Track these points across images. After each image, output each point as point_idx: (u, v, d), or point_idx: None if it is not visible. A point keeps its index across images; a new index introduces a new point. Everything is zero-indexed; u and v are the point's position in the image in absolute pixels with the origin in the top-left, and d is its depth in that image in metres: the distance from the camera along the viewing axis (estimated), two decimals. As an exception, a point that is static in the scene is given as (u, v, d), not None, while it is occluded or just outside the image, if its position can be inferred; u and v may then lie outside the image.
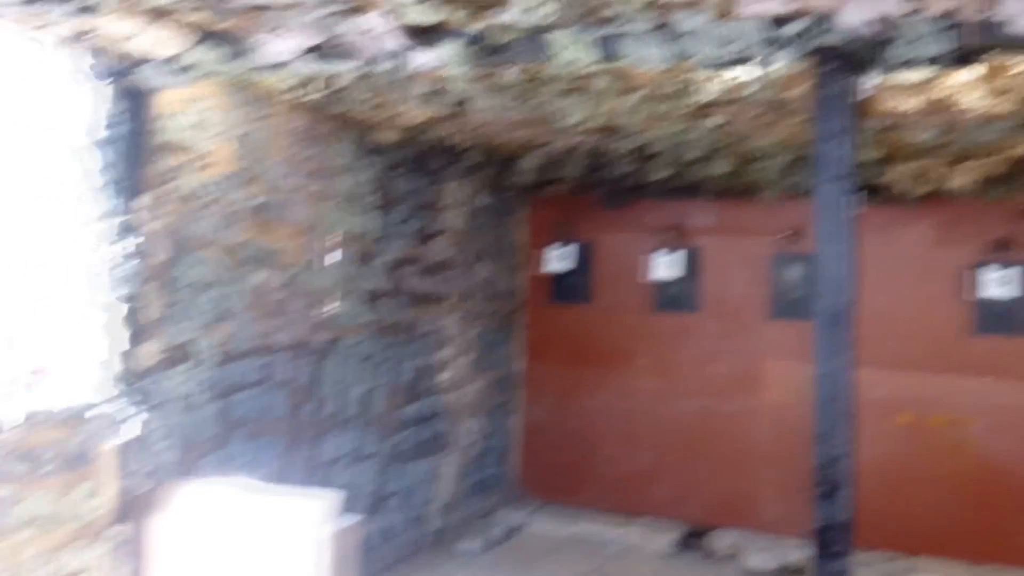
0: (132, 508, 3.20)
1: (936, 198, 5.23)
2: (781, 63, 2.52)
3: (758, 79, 2.70)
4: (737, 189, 5.75)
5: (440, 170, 5.39)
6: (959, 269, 5.42)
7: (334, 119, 4.34)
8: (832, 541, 2.43)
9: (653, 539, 5.62)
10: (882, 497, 5.40)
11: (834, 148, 2.42)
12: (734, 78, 2.91)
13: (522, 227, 6.54)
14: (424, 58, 2.71)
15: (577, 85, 3.36)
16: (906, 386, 5.48)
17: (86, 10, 2.68)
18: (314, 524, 3.00)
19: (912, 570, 5.16)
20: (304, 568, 2.98)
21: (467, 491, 5.72)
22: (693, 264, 5.99)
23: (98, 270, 3.12)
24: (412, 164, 5.10)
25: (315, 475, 4.25)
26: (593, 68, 2.75)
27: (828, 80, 2.43)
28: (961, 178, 4.79)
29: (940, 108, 3.40)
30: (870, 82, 2.60)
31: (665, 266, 5.96)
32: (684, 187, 5.83)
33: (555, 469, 6.32)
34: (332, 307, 4.43)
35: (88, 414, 3.05)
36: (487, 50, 2.67)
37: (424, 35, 2.66)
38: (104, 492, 3.12)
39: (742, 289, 5.90)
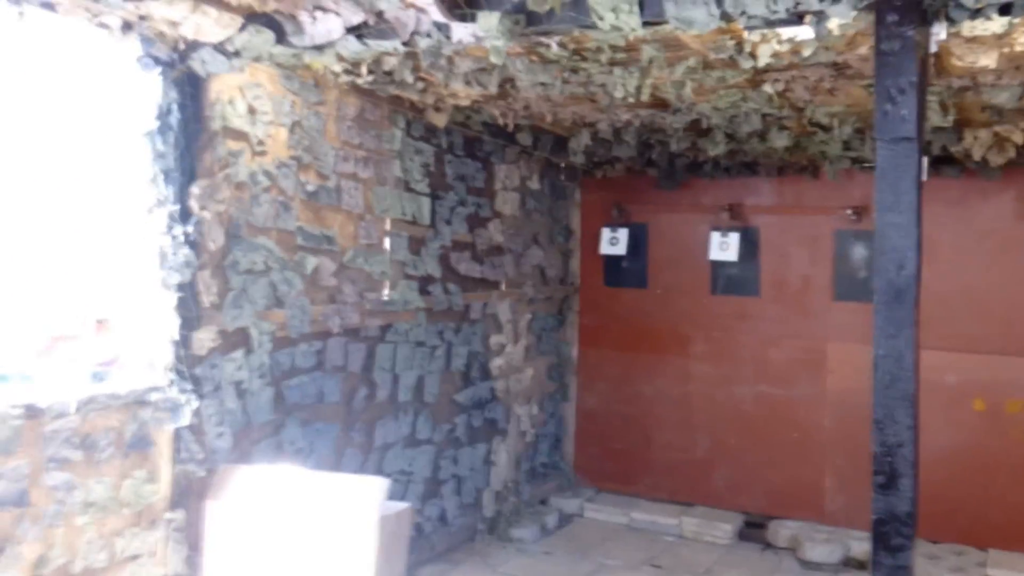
0: (187, 493, 3.21)
1: (1017, 168, 4.91)
2: (838, 17, 2.33)
3: (816, 38, 2.50)
4: (798, 164, 5.52)
5: (491, 153, 5.29)
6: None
7: (385, 103, 4.27)
8: (893, 533, 2.27)
9: (711, 529, 5.47)
10: (953, 487, 5.15)
11: (897, 109, 2.22)
12: (790, 38, 2.72)
13: (575, 210, 6.41)
14: (465, 31, 2.61)
15: (623, 56, 3.21)
16: (982, 370, 5.18)
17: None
18: (365, 509, 2.96)
19: (982, 564, 4.90)
20: (355, 552, 2.95)
21: (521, 478, 5.66)
22: (752, 245, 5.76)
23: (155, 256, 3.12)
24: (463, 148, 5.01)
25: (369, 461, 4.22)
26: (639, 33, 2.61)
27: (890, 33, 2.23)
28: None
29: (1020, 64, 3.12)
30: (937, 35, 2.38)
31: (722, 247, 5.71)
32: (741, 164, 5.64)
33: (609, 456, 6.21)
34: (385, 293, 4.38)
35: (144, 400, 3.05)
36: (528, 19, 2.55)
37: (463, 7, 2.56)
38: (160, 477, 3.13)
39: (804, 270, 5.67)
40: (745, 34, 2.81)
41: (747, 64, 3.10)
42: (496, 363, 5.37)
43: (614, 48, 3.09)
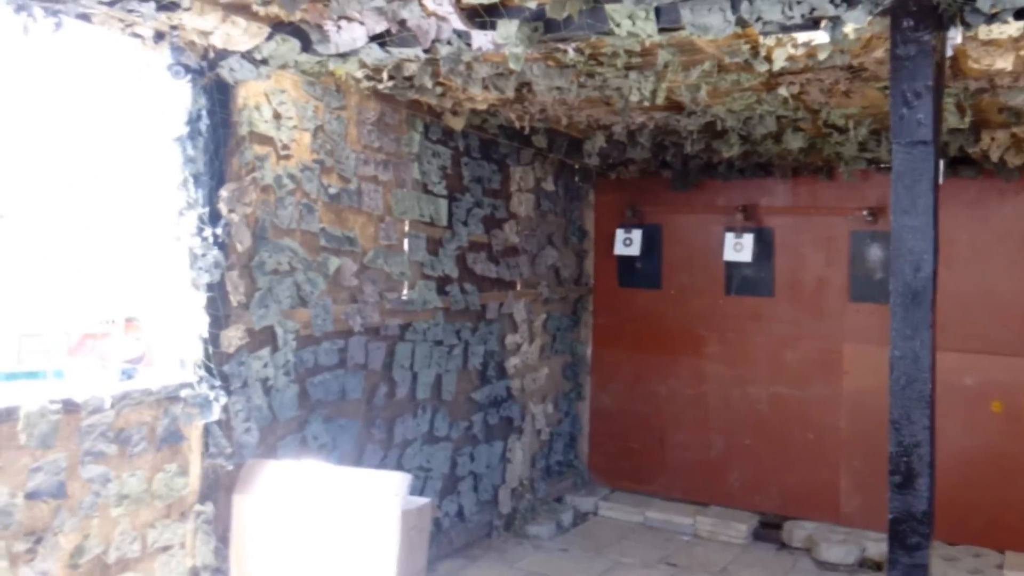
0: (216, 487, 3.32)
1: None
2: (854, 23, 2.38)
3: (831, 42, 2.56)
4: (813, 165, 5.55)
5: (507, 156, 5.39)
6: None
7: (404, 107, 4.38)
8: (909, 532, 2.31)
9: (726, 528, 5.53)
10: (970, 489, 5.16)
11: (913, 113, 2.27)
12: (805, 42, 2.77)
13: (589, 211, 6.49)
14: (484, 39, 2.70)
15: (639, 60, 3.28)
16: (1000, 372, 5.19)
17: (168, 7, 2.76)
18: (387, 503, 3.05)
19: (1000, 566, 4.94)
20: (378, 545, 3.04)
21: (537, 476, 5.74)
22: (766, 246, 5.80)
23: (185, 257, 3.23)
24: (479, 151, 5.11)
25: (389, 457, 4.32)
26: (655, 39, 2.68)
27: (906, 38, 2.27)
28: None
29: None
30: (953, 40, 2.42)
31: (737, 248, 5.76)
32: (756, 165, 5.67)
33: (624, 456, 6.28)
34: (404, 293, 4.48)
35: (175, 396, 3.17)
36: (546, 26, 2.64)
37: (483, 15, 2.65)
38: (190, 471, 3.24)
39: (819, 271, 5.70)
40: (760, 38, 2.87)
41: (762, 67, 3.16)
42: (512, 362, 5.46)
43: (630, 53, 3.17)
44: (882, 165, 5.30)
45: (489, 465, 5.20)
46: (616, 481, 6.27)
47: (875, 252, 5.50)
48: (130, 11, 2.79)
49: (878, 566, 5.02)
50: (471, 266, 5.03)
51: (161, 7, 2.75)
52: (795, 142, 4.68)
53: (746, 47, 3.05)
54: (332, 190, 3.95)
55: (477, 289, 5.06)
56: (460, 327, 4.91)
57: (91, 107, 3.08)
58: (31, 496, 2.73)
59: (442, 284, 4.76)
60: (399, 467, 4.31)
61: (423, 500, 3.24)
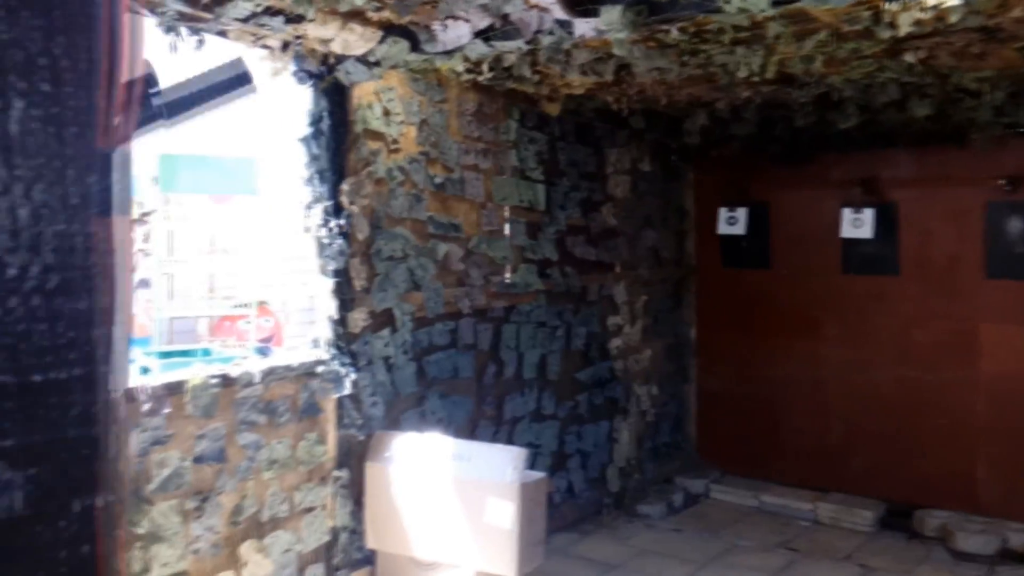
0: (350, 455, 3.88)
1: None
2: None
3: (964, 3, 2.56)
4: (941, 134, 5.35)
5: (603, 138, 5.77)
6: None
7: (501, 97, 4.84)
8: None
9: (849, 515, 5.58)
10: None
11: None
12: (935, 5, 2.73)
13: (688, 191, 6.70)
14: (587, 26, 3.05)
15: (747, 35, 3.37)
16: None
17: (294, 19, 3.30)
18: (507, 475, 3.50)
19: None
20: (499, 514, 3.50)
21: (644, 456, 6.11)
22: (889, 221, 5.70)
23: (316, 247, 3.79)
24: (575, 135, 5.51)
25: (500, 433, 4.80)
26: (767, 12, 2.77)
27: None
28: None
29: None
30: None
31: (856, 224, 5.67)
32: (875, 135, 5.52)
33: (734, 439, 6.45)
34: (507, 276, 4.95)
35: (312, 372, 3.74)
36: (650, 9, 2.90)
37: (584, 2, 2.95)
38: (327, 440, 3.81)
39: (950, 246, 5.57)
40: (884, 3, 2.88)
41: (886, 34, 3.14)
42: (614, 343, 5.85)
43: (737, 28, 3.25)
44: (1021, 130, 5.13)
45: (596, 444, 5.61)
46: (726, 464, 6.45)
47: (1015, 224, 5.31)
48: (261, 25, 3.35)
49: (1022, 557, 4.98)
50: (570, 249, 5.45)
51: (289, 20, 3.30)
52: (921, 109, 4.57)
53: (867, 14, 3.05)
54: (437, 180, 4.46)
55: (577, 272, 5.48)
56: (562, 309, 5.35)
57: (227, 113, 3.68)
58: (198, 460, 3.33)
59: (543, 267, 5.21)
60: (510, 442, 4.78)
61: (540, 474, 3.66)
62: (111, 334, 1.08)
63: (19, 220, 0.89)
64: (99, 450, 0.93)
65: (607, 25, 2.89)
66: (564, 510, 5.28)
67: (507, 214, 4.99)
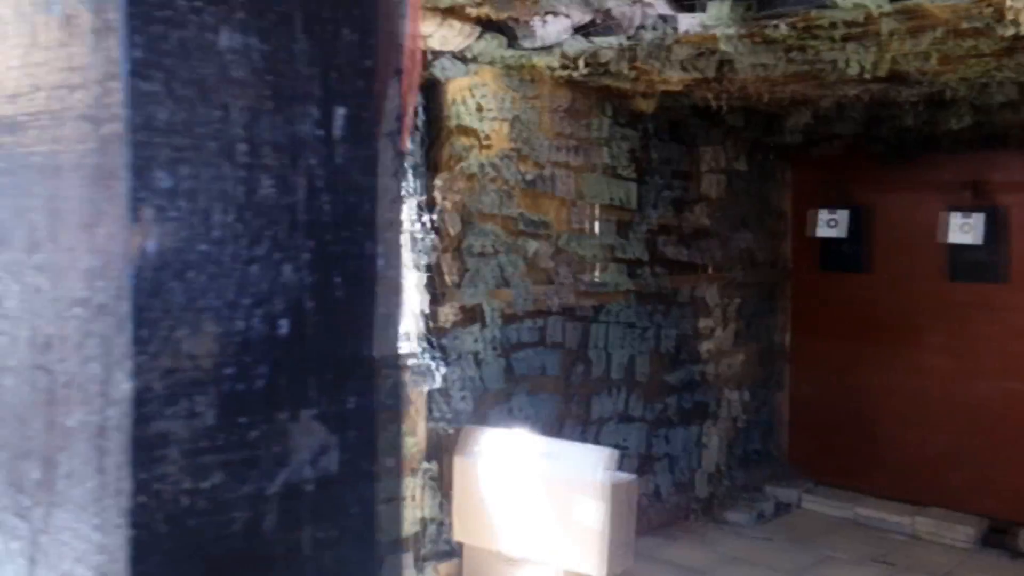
0: (437, 448, 3.95)
1: None
2: None
3: None
4: None
5: (697, 136, 5.70)
6: None
7: (593, 93, 4.84)
8: None
9: (949, 531, 5.41)
10: None
11: None
12: None
13: (785, 191, 6.58)
14: (691, 21, 3.05)
15: (858, 31, 3.33)
16: None
17: (394, 17, 3.39)
18: (597, 475, 3.51)
19: None
20: (588, 514, 3.51)
21: (734, 463, 6.01)
22: (998, 226, 5.50)
23: (407, 242, 3.89)
24: (668, 132, 5.47)
25: (587, 433, 4.81)
26: (884, 8, 2.74)
27: None
28: None
29: None
30: None
31: (963, 229, 5.50)
32: (987, 137, 5.36)
33: (827, 449, 6.31)
34: (596, 275, 4.95)
35: (403, 364, 3.83)
36: (759, 4, 2.89)
37: None
38: (418, 432, 3.89)
39: None
40: (1008, 0, 2.83)
41: (1007, 32, 3.07)
42: (705, 347, 5.77)
43: (848, 24, 3.20)
44: None
45: (684, 448, 5.55)
46: (819, 475, 6.31)
47: None
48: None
49: None
50: (661, 249, 5.42)
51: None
52: (1043, 110, 4.38)
53: (988, 11, 3.00)
54: (528, 176, 4.50)
55: (667, 272, 5.43)
56: (652, 310, 5.31)
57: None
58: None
59: (632, 267, 5.19)
60: (596, 443, 4.77)
61: (630, 476, 3.66)
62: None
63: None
64: (400, 418, 0.99)
65: (714, 20, 2.86)
66: (651, 513, 5.24)
67: (597, 212, 4.99)
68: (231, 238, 0.55)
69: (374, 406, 0.61)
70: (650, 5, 3.02)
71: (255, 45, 0.54)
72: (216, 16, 0.54)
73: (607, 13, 3.19)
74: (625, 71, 4.06)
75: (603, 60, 3.93)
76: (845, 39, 3.46)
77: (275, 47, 0.54)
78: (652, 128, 5.34)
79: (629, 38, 3.28)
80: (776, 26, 3.20)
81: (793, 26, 3.27)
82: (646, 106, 4.92)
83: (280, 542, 0.57)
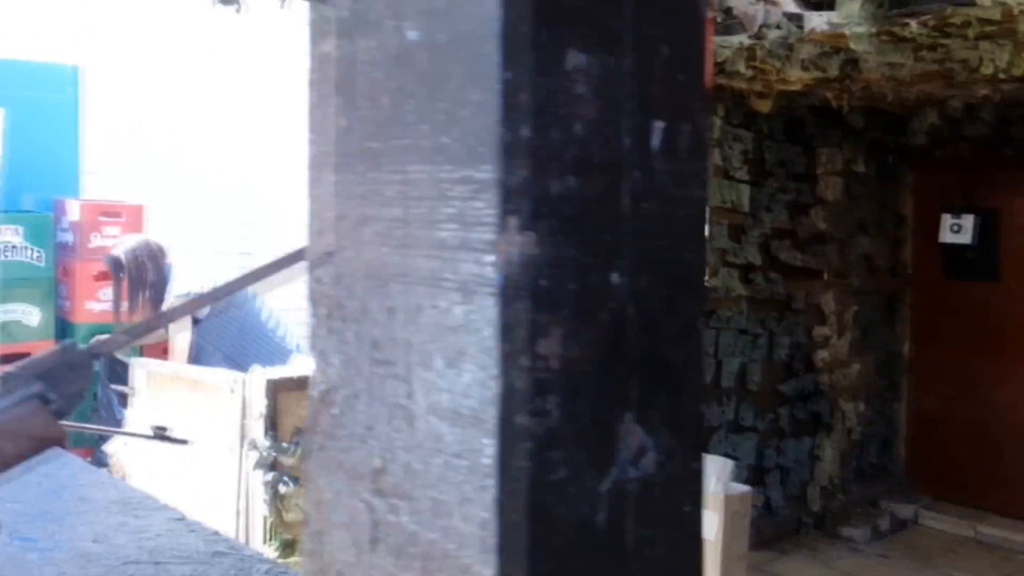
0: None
1: None
2: None
3: None
4: None
5: (814, 137, 5.56)
6: None
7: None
8: None
9: None
10: None
11: None
12: None
13: (907, 195, 6.38)
14: (819, 20, 2.99)
15: (994, 29, 3.24)
16: None
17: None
18: (710, 485, 3.48)
19: None
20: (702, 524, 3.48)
21: (849, 476, 5.83)
22: None
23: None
24: (784, 133, 5.35)
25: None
26: None
27: None
28: None
29: None
30: None
31: None
32: None
33: (950, 464, 6.09)
34: (707, 279, 4.89)
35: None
36: (893, 2, 2.82)
37: None
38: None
39: None
40: None
41: None
42: (820, 356, 5.62)
43: (984, 21, 3.12)
44: None
45: (797, 460, 5.43)
46: (938, 490, 6.10)
47: None
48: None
49: None
50: (775, 253, 5.31)
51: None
52: None
53: None
54: (641, 179, 4.48)
55: (782, 277, 5.32)
56: (765, 316, 5.21)
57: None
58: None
59: (745, 272, 5.10)
60: (705, 452, 4.73)
61: (745, 488, 3.61)
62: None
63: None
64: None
65: (845, 18, 2.82)
66: (761, 526, 5.14)
67: (708, 215, 4.94)
68: (577, 248, 0.60)
69: (692, 408, 0.64)
70: (775, 4, 2.98)
71: (595, 63, 0.58)
72: (564, 37, 0.59)
73: (728, 12, 3.16)
74: (742, 70, 4.00)
75: (719, 59, 3.89)
76: (979, 37, 3.38)
77: (609, 65, 0.59)
78: (767, 129, 5.25)
79: (751, 37, 3.24)
80: (907, 24, 3.15)
81: (925, 24, 3.22)
82: (763, 106, 4.83)
83: (610, 538, 0.61)
